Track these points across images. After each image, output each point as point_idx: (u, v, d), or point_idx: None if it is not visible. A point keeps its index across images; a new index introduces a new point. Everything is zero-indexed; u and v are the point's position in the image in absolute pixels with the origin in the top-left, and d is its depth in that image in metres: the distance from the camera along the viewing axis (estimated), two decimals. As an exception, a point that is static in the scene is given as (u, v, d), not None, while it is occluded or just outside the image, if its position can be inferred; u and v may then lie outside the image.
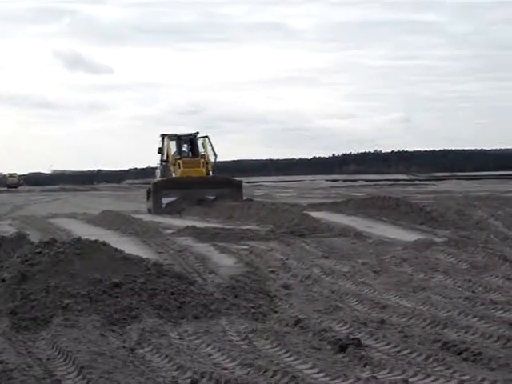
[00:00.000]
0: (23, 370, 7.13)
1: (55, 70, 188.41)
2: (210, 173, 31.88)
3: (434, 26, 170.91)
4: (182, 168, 31.35)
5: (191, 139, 32.54)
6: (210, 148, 32.02)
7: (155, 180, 32.68)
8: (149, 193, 31.57)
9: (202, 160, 31.63)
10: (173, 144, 32.54)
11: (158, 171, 33.13)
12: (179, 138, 32.51)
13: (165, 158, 32.61)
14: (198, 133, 32.64)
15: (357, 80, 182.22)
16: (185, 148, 32.64)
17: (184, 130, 33.83)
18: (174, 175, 31.80)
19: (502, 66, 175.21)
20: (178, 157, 31.88)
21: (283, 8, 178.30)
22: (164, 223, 23.38)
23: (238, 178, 35.25)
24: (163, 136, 32.64)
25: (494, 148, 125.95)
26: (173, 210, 28.75)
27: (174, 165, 31.68)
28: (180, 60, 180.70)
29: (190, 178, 30.52)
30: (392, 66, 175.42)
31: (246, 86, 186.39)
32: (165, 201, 30.37)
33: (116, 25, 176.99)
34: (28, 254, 10.20)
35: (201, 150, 32.16)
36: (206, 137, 32.23)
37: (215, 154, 32.06)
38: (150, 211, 30.34)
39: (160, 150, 32.79)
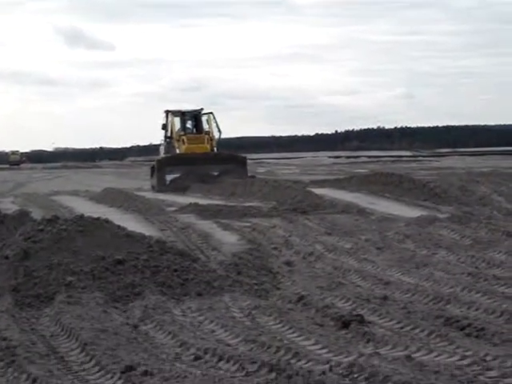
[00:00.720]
0: (27, 346, 7.15)
1: (56, 46, 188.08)
2: (215, 149, 31.62)
3: (437, 1, 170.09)
4: (186, 144, 31.05)
5: (195, 115, 32.23)
6: (214, 124, 31.76)
7: (159, 157, 32.44)
8: (152, 170, 31.38)
9: (207, 136, 31.34)
10: (177, 120, 32.17)
11: (162, 148, 32.80)
12: (183, 114, 32.16)
13: (169, 134, 32.23)
14: (202, 109, 32.35)
15: (359, 56, 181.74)
16: (189, 124, 32.30)
17: (187, 106, 33.57)
18: (178, 151, 31.50)
19: (505, 40, 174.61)
20: (183, 133, 31.58)
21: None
22: (167, 200, 23.38)
23: (242, 155, 34.99)
24: (167, 112, 32.28)
25: (497, 123, 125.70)
26: (177, 188, 28.53)
27: (178, 141, 31.39)
28: (182, 36, 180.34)
29: (195, 155, 30.23)
30: (395, 42, 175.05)
31: (249, 63, 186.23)
32: (169, 178, 30.16)
33: (117, 1, 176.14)
34: (30, 231, 10.20)
35: (205, 126, 31.87)
36: (211, 113, 31.98)
37: (220, 131, 31.88)
38: (153, 188, 30.15)
39: (164, 127, 32.41)
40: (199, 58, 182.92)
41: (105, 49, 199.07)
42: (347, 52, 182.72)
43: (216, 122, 31.72)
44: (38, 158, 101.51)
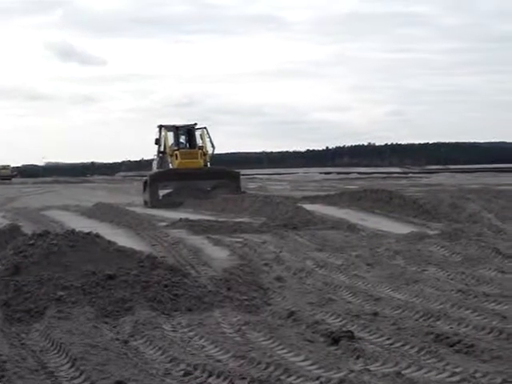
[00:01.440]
0: (16, 361, 7.13)
1: (48, 61, 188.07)
2: (208, 164, 31.54)
3: (428, 19, 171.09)
4: (179, 159, 30.95)
5: (189, 130, 32.15)
6: (208, 139, 31.72)
7: (152, 171, 32.32)
8: (145, 184, 31.18)
9: (200, 151, 31.24)
10: (170, 135, 32.09)
11: (155, 162, 32.69)
12: (177, 129, 32.07)
13: (162, 149, 32.13)
14: (196, 124, 32.31)
15: (351, 73, 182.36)
16: (182, 139, 32.24)
17: (179, 122, 33.34)
18: (171, 166, 31.42)
19: (496, 59, 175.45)
20: (176, 148, 31.47)
21: (277, 0, 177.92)
22: (157, 216, 23.38)
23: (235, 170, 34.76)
24: (160, 127, 32.18)
25: (487, 141, 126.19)
26: (171, 203, 28.38)
27: (172, 156, 31.29)
28: (174, 52, 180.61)
29: (188, 170, 30.15)
30: (386, 59, 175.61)
31: (241, 79, 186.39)
32: (162, 193, 30.07)
33: (109, 16, 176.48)
34: (21, 245, 10.19)
35: (199, 141, 31.81)
36: (204, 128, 31.92)
37: (213, 146, 31.81)
38: (146, 203, 29.96)
39: (157, 141, 32.29)
40: (191, 73, 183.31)
41: (96, 64, 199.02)
42: (339, 69, 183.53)
43: (209, 137, 31.76)
44: (29, 172, 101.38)
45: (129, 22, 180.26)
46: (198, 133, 31.96)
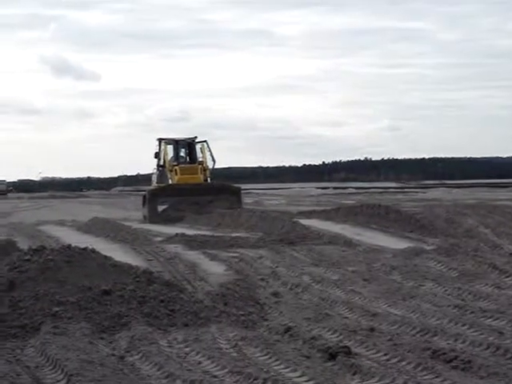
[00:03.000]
0: (11, 377, 7.10)
1: (43, 76, 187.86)
2: (208, 179, 30.99)
3: (422, 34, 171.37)
4: (179, 175, 30.43)
5: (189, 144, 31.64)
6: (208, 153, 31.08)
7: (151, 186, 31.83)
8: (144, 199, 30.65)
9: (200, 166, 30.72)
10: (170, 148, 31.58)
11: (155, 177, 32.13)
12: (177, 143, 31.58)
13: (161, 163, 31.58)
14: (196, 137, 31.78)
15: (345, 88, 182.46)
16: (182, 153, 31.75)
17: (174, 136, 32.71)
18: (170, 181, 30.89)
19: (491, 74, 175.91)
20: (175, 163, 30.96)
21: (271, 15, 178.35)
22: (153, 231, 23.34)
23: (236, 185, 33.98)
24: (160, 140, 31.66)
25: (483, 156, 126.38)
26: (171, 218, 27.93)
27: (171, 171, 30.80)
28: (168, 66, 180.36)
29: (187, 185, 29.64)
30: (381, 74, 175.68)
31: (235, 93, 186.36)
32: (161, 208, 29.57)
33: (104, 31, 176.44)
34: (17, 261, 10.16)
35: (199, 155, 31.27)
36: (205, 141, 31.36)
37: (214, 160, 31.14)
38: (145, 218, 29.48)
39: (156, 155, 31.76)
40: (185, 88, 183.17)
41: (91, 79, 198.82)
42: (333, 84, 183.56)
43: (210, 151, 31.14)
44: (24, 187, 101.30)
45: (123, 37, 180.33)
46: (198, 146, 31.47)
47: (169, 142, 31.74)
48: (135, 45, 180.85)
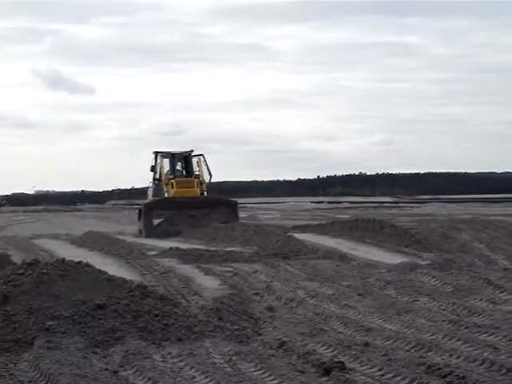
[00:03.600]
0: (4, 392, 7.06)
1: (37, 89, 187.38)
2: (205, 193, 30.89)
3: (418, 49, 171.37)
4: (175, 188, 30.34)
5: (185, 157, 31.50)
6: (204, 167, 31.01)
7: (146, 200, 31.61)
8: (140, 213, 30.42)
9: (196, 180, 30.65)
10: (166, 162, 31.52)
11: (150, 190, 31.96)
12: (173, 156, 31.45)
13: (157, 176, 31.50)
14: (192, 151, 31.67)
15: (340, 102, 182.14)
16: (178, 166, 31.61)
17: (168, 150, 32.44)
18: (166, 195, 30.76)
19: (486, 89, 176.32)
20: (172, 176, 30.86)
21: (265, 29, 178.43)
22: (148, 244, 23.33)
23: (232, 199, 33.83)
24: (156, 153, 31.56)
25: (478, 171, 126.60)
26: (167, 233, 27.70)
27: (167, 185, 30.69)
28: (162, 80, 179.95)
29: (184, 199, 29.49)
30: (375, 89, 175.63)
31: (229, 107, 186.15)
32: (156, 222, 29.37)
33: (98, 44, 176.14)
34: (10, 274, 10.13)
35: (195, 168, 31.15)
36: (201, 155, 31.29)
37: (210, 174, 31.04)
38: (141, 233, 29.26)
39: (153, 168, 31.64)
40: (179, 102, 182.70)
41: (85, 92, 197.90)
42: (327, 98, 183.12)
43: (207, 165, 31.06)
44: (18, 200, 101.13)
45: (117, 51, 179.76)
46: (194, 160, 31.33)
47: (165, 155, 31.64)
48: (129, 58, 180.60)
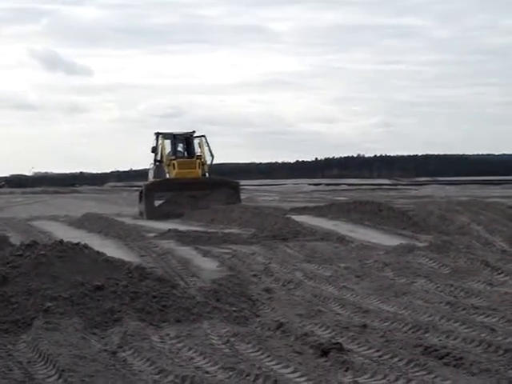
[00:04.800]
0: (3, 373, 7.09)
1: (34, 71, 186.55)
2: (207, 174, 30.60)
3: (417, 31, 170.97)
4: (176, 169, 30.01)
5: (187, 138, 31.14)
6: (206, 148, 30.60)
7: (147, 181, 31.21)
8: (141, 195, 30.10)
9: (198, 161, 30.32)
10: (168, 143, 31.09)
11: (151, 171, 31.53)
12: (174, 137, 31.04)
13: (159, 157, 31.07)
14: (194, 132, 31.26)
15: (338, 84, 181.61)
16: (180, 148, 31.24)
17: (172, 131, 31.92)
18: (168, 176, 30.43)
19: (484, 71, 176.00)
20: (173, 157, 30.52)
21: (264, 10, 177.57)
22: (146, 226, 23.34)
23: (234, 180, 33.33)
24: (158, 134, 31.11)
25: (475, 153, 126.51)
26: (169, 214, 27.34)
27: (169, 166, 30.33)
28: (160, 62, 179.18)
29: (185, 179, 29.19)
30: (374, 71, 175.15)
31: (227, 89, 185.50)
32: (158, 203, 29.09)
33: (95, 26, 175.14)
34: (9, 256, 10.15)
35: (197, 150, 30.86)
36: (203, 136, 30.89)
37: (212, 155, 30.66)
38: (141, 215, 28.96)
39: (154, 149, 31.21)
40: (178, 83, 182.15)
41: (83, 74, 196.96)
42: (325, 80, 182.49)
43: (208, 146, 30.67)
44: (17, 182, 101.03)
45: (115, 32, 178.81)
46: (196, 141, 31.01)
47: (166, 136, 31.19)
48: (127, 40, 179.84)
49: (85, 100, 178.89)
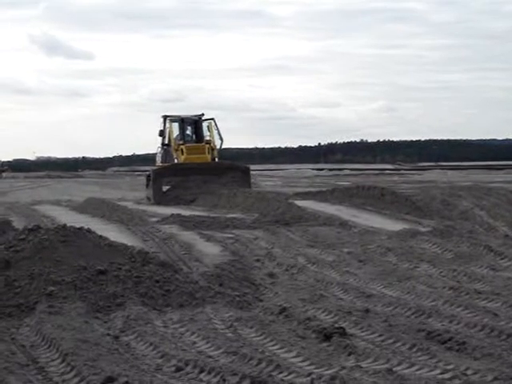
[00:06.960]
0: (6, 356, 7.11)
1: (34, 55, 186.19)
2: (216, 159, 29.74)
3: (418, 15, 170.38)
4: (185, 155, 29.10)
5: (195, 122, 30.23)
6: (215, 132, 29.74)
7: (155, 166, 30.49)
8: (148, 180, 29.23)
9: (207, 146, 29.35)
10: (175, 126, 30.23)
11: (159, 156, 30.83)
12: (182, 121, 30.16)
13: (166, 141, 30.23)
14: (202, 114, 30.34)
15: (340, 69, 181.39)
16: (188, 131, 30.35)
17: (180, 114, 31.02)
18: (176, 161, 29.53)
19: (487, 55, 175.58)
20: (181, 142, 29.60)
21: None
22: (149, 211, 23.35)
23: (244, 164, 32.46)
24: (165, 117, 30.26)
25: (479, 138, 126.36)
26: (179, 199, 26.85)
27: (177, 150, 29.46)
28: (162, 46, 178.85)
29: (194, 164, 28.38)
30: (376, 55, 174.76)
31: (229, 74, 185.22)
32: (165, 189, 28.45)
33: (95, 10, 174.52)
34: (12, 240, 10.16)
35: (206, 133, 29.99)
36: (212, 119, 30.05)
37: (221, 139, 29.72)
38: (149, 200, 28.29)
39: (161, 133, 30.15)
40: (179, 68, 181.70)
41: (83, 58, 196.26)
42: (327, 65, 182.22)
43: (217, 129, 29.76)
44: (19, 167, 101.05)
45: (115, 16, 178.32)
46: (204, 124, 30.16)
47: (174, 119, 30.34)
48: (128, 24, 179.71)
49: (85, 84, 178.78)
